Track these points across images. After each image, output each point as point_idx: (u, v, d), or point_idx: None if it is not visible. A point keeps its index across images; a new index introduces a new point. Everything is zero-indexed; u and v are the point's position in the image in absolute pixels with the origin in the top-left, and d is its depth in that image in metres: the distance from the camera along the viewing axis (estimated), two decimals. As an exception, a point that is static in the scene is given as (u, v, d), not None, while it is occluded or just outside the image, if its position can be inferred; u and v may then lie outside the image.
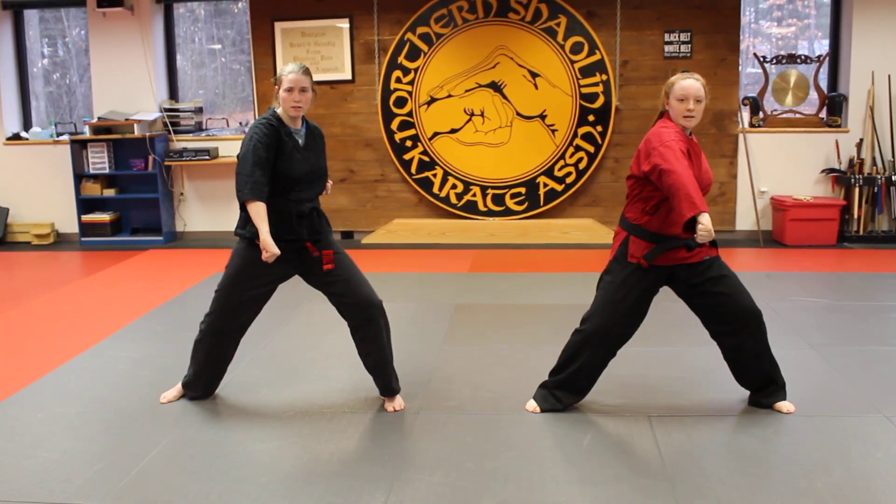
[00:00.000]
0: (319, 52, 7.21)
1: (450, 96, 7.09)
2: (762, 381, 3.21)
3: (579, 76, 6.95)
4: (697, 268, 3.04)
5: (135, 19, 7.35)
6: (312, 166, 3.16)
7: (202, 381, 3.39)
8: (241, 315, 3.25)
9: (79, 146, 7.36)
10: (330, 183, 3.36)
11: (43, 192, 7.63)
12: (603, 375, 3.22)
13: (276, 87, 3.11)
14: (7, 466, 2.82)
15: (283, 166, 3.06)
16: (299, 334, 4.34)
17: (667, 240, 2.98)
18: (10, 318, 4.85)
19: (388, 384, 3.30)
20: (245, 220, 3.12)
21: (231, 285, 3.17)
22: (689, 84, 2.96)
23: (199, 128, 7.63)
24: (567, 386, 3.21)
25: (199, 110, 7.65)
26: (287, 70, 3.07)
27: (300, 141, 3.13)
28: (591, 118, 7.00)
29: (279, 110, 3.12)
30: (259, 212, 2.99)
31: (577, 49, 6.92)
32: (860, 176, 6.79)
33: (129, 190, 7.59)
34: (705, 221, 2.73)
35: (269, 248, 2.97)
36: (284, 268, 3.15)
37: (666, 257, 3.01)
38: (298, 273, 3.23)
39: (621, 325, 3.12)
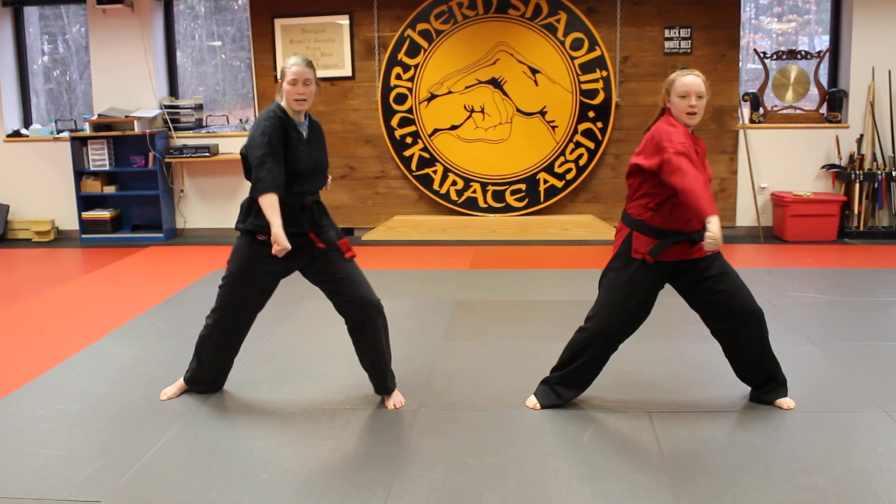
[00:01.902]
0: (319, 49, 7.21)
1: (450, 93, 7.08)
2: (763, 379, 3.21)
3: (579, 72, 6.95)
4: (700, 264, 3.05)
5: (135, 16, 7.34)
6: (315, 160, 3.15)
7: (209, 376, 3.39)
8: (245, 311, 3.24)
9: (79, 143, 7.36)
10: (330, 178, 3.35)
11: (43, 189, 7.63)
12: (603, 371, 3.22)
13: (280, 80, 3.08)
14: (8, 463, 2.82)
15: (290, 159, 3.04)
16: (300, 331, 4.34)
17: (671, 235, 2.99)
18: (10, 315, 4.85)
19: (382, 383, 3.30)
20: (246, 213, 3.10)
21: (235, 281, 3.16)
22: (691, 80, 2.95)
23: (199, 124, 7.63)
24: (568, 381, 3.22)
25: (200, 107, 7.65)
26: (291, 62, 3.05)
27: (304, 134, 3.12)
28: (591, 114, 7.00)
29: (283, 104, 3.09)
30: (273, 204, 2.96)
31: (577, 45, 6.92)
32: (860, 172, 6.79)
33: (129, 187, 7.59)
34: (713, 229, 2.72)
35: (281, 241, 2.94)
36: (288, 262, 3.12)
37: (670, 252, 3.01)
38: (300, 268, 3.21)
39: (626, 323, 3.12)
